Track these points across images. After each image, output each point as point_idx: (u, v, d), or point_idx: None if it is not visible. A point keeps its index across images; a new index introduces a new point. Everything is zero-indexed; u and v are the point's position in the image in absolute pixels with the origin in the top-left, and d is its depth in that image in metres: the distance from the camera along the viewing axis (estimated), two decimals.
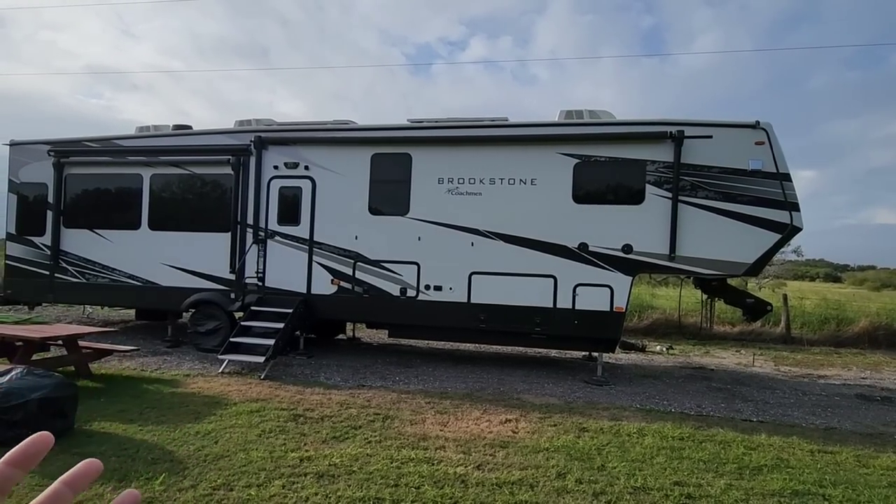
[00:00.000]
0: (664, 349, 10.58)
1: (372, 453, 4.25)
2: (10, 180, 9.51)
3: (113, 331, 9.13)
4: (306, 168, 8.16)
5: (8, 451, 0.49)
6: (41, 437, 0.51)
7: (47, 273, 9.23)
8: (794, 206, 6.73)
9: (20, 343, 6.00)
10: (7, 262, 9.53)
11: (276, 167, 8.29)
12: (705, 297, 8.50)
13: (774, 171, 6.76)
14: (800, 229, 6.82)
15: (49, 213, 9.25)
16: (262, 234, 8.29)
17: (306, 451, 4.25)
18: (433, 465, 4.06)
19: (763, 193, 6.77)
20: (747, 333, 12.10)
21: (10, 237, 9.54)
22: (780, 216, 6.74)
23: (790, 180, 6.77)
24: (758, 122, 6.81)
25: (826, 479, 4.04)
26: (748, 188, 6.80)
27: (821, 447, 4.82)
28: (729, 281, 7.97)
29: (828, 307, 13.30)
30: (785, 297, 12.55)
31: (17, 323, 6.46)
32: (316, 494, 3.51)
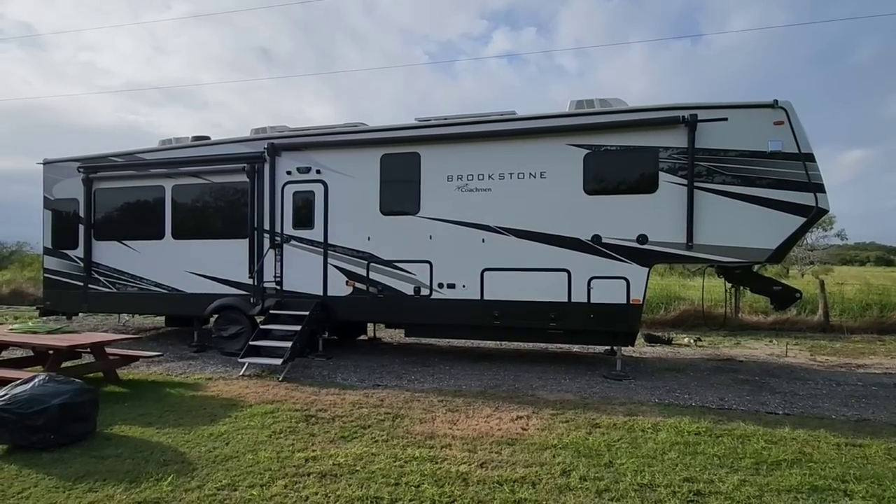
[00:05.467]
0: (692, 341, 10.26)
1: (377, 452, 4.26)
2: (44, 197, 10.01)
3: (139, 337, 9.47)
4: (318, 172, 8.27)
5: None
6: None
7: (81, 284, 9.66)
8: (818, 188, 6.39)
9: (51, 351, 6.29)
10: (45, 274, 10.04)
11: (289, 172, 8.43)
12: (730, 286, 8.17)
13: (796, 151, 6.44)
14: (826, 211, 6.49)
15: (81, 227, 9.68)
16: (279, 238, 8.45)
17: (313, 451, 4.30)
18: (436, 463, 4.04)
19: (784, 175, 6.46)
20: (782, 322, 11.60)
21: (46, 251, 10.05)
22: (804, 198, 6.42)
23: (814, 160, 6.44)
24: (776, 102, 6.50)
25: (850, 474, 3.82)
26: (768, 170, 6.50)
27: (849, 440, 4.57)
28: (765, 268, 7.64)
29: (870, 292, 12.61)
30: (822, 283, 11.97)
31: (49, 332, 6.76)
32: (316, 494, 3.54)
